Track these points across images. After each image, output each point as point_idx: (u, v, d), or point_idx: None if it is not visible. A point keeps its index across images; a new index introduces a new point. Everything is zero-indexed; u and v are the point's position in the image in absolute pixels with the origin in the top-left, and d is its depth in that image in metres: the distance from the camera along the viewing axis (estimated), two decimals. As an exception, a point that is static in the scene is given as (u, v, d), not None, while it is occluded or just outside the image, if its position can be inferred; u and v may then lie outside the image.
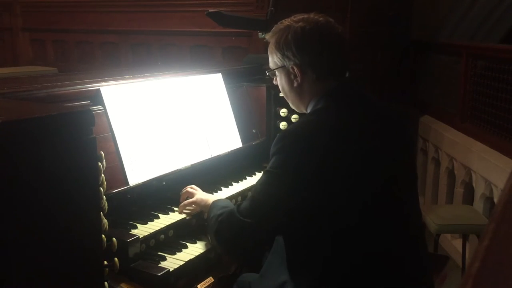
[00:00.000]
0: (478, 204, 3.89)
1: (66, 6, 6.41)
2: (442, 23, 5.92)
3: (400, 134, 1.79)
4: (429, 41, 5.52)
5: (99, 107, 1.99)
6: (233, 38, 4.97)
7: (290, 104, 1.89)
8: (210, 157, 2.40)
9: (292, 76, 1.76)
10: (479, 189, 3.90)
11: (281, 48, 1.75)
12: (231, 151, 2.54)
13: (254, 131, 2.81)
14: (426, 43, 5.50)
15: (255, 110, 2.83)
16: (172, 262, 1.85)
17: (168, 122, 2.24)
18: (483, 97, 4.16)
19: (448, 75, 4.87)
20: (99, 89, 2.01)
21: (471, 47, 4.64)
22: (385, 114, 1.79)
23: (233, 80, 2.75)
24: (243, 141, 2.66)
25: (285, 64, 1.76)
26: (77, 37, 6.39)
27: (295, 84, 1.76)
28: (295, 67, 1.74)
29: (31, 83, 2.04)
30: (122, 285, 1.73)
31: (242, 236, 1.66)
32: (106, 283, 1.58)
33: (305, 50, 1.71)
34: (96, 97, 2.00)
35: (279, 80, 1.84)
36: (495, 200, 3.72)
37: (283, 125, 2.79)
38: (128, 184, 1.99)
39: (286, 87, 1.81)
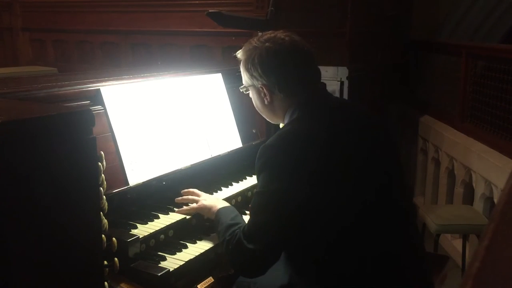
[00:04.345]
0: (478, 204, 3.88)
1: (66, 6, 6.41)
2: (442, 23, 5.92)
3: (380, 133, 1.82)
4: (429, 41, 5.52)
5: (99, 107, 1.99)
6: (233, 38, 4.97)
7: (265, 117, 1.96)
8: (210, 157, 2.40)
9: (262, 94, 1.83)
10: (479, 189, 3.90)
11: (249, 69, 1.81)
12: (231, 151, 2.54)
13: (254, 131, 2.81)
14: (426, 43, 5.50)
15: (255, 110, 2.82)
16: (172, 262, 1.85)
17: (168, 122, 2.24)
18: (483, 97, 4.15)
19: (448, 75, 4.87)
20: (99, 89, 2.01)
21: (471, 47, 4.64)
22: (362, 115, 1.83)
23: (233, 80, 2.75)
24: (243, 141, 2.65)
25: (254, 83, 1.83)
26: (77, 37, 6.39)
27: (266, 102, 1.83)
28: (263, 87, 1.80)
29: (31, 83, 2.04)
30: (122, 285, 1.73)
31: (256, 263, 1.67)
32: (106, 283, 1.58)
33: (270, 72, 1.77)
34: (96, 97, 2.00)
35: (252, 96, 1.91)
36: (495, 200, 3.72)
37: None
38: (128, 184, 1.99)
39: (258, 104, 1.90)
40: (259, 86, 1.81)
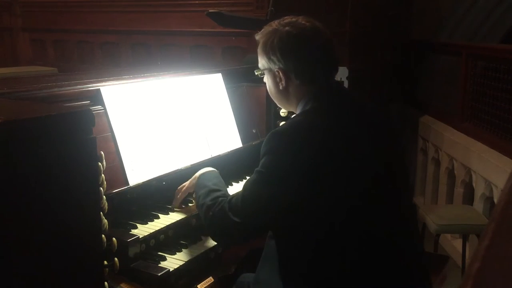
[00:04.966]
0: (478, 204, 3.89)
1: (66, 6, 6.41)
2: (442, 23, 5.92)
3: (387, 132, 1.81)
4: (429, 41, 5.52)
5: (99, 107, 1.99)
6: (233, 38, 4.97)
7: (277, 104, 1.93)
8: (210, 157, 2.40)
9: (277, 79, 1.80)
10: (479, 189, 3.90)
11: (267, 52, 1.78)
12: (231, 151, 2.54)
13: (254, 131, 2.81)
14: (426, 43, 5.50)
15: (255, 110, 2.83)
16: (172, 262, 1.85)
17: (168, 122, 2.24)
18: (483, 97, 4.16)
19: (448, 75, 4.87)
20: (99, 89, 2.01)
21: (471, 47, 4.65)
22: (373, 114, 1.82)
23: (233, 80, 2.75)
24: (243, 141, 2.66)
25: (271, 67, 1.79)
26: (77, 37, 6.39)
27: (280, 87, 1.80)
28: (280, 71, 1.77)
29: (31, 83, 2.04)
30: (122, 285, 1.73)
31: (232, 233, 1.73)
32: (106, 283, 1.58)
33: (289, 56, 1.74)
34: (96, 97, 2.00)
35: (267, 81, 1.88)
36: (495, 200, 3.72)
37: (281, 121, 2.79)
38: (128, 184, 1.99)
39: (272, 89, 1.86)
40: (275, 70, 1.78)
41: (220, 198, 1.78)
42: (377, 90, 5.11)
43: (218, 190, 1.86)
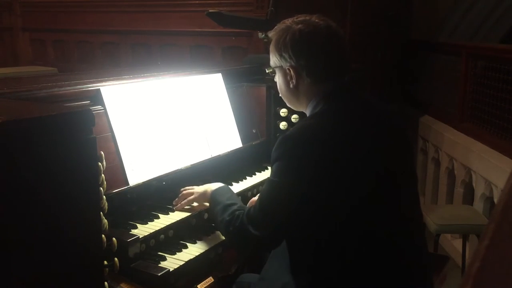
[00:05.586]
0: (478, 204, 3.88)
1: (66, 6, 6.41)
2: (442, 23, 5.92)
3: (398, 136, 1.80)
4: (429, 41, 5.52)
5: (99, 107, 1.99)
6: (233, 38, 4.97)
7: (287, 103, 1.90)
8: (210, 157, 2.40)
9: (288, 77, 1.78)
10: (479, 189, 3.90)
11: (279, 49, 1.77)
12: (231, 151, 2.54)
13: (254, 131, 2.81)
14: (426, 43, 5.50)
15: (255, 110, 2.83)
16: (172, 262, 1.85)
17: (168, 122, 2.24)
18: (483, 97, 4.15)
19: (448, 75, 4.87)
20: (99, 89, 2.01)
21: (471, 47, 4.64)
22: (383, 116, 1.80)
23: (233, 80, 2.75)
24: (243, 141, 2.66)
25: (282, 64, 1.78)
26: (77, 37, 6.39)
27: (291, 86, 1.78)
28: (291, 69, 1.76)
29: (31, 83, 2.04)
30: (122, 285, 1.73)
31: (255, 245, 1.74)
32: (106, 283, 1.58)
33: (301, 53, 1.73)
34: (96, 97, 2.00)
35: (277, 79, 1.86)
36: (495, 200, 3.72)
37: (283, 125, 2.79)
38: (128, 184, 1.99)
39: (283, 87, 1.84)
40: (287, 67, 1.76)
41: (238, 212, 1.78)
42: (377, 90, 5.10)
43: (234, 204, 1.86)
